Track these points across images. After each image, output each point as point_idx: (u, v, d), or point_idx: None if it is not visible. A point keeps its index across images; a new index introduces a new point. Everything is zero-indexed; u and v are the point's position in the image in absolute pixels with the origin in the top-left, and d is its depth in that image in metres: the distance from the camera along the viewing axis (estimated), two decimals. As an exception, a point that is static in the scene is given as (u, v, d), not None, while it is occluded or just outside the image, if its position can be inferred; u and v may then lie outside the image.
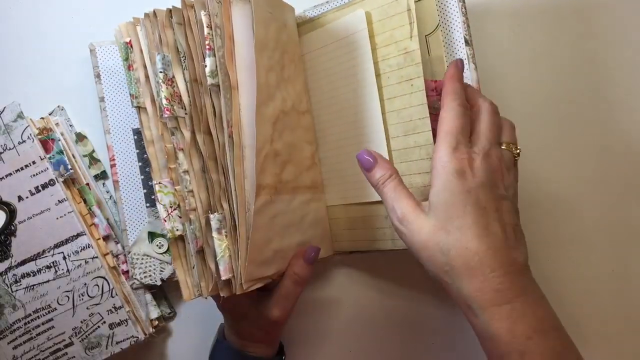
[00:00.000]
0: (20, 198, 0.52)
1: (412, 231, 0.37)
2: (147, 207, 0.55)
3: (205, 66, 0.43)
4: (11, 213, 0.51)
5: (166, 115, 0.45)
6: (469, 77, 0.44)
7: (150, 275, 0.53)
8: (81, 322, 0.52)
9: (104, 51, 0.55)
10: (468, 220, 0.35)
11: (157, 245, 0.54)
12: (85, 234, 0.52)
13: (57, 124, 0.56)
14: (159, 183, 0.48)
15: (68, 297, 0.52)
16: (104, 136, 0.55)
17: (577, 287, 0.52)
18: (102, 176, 0.58)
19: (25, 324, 0.51)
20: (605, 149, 0.52)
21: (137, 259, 0.53)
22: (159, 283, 0.54)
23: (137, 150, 0.55)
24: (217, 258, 0.43)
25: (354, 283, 0.56)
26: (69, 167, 0.53)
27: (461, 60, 0.41)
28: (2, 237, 0.51)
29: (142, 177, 0.55)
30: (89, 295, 0.52)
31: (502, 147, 0.39)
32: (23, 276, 0.51)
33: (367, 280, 0.56)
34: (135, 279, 0.53)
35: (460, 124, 0.38)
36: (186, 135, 0.46)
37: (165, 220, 0.47)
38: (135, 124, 0.55)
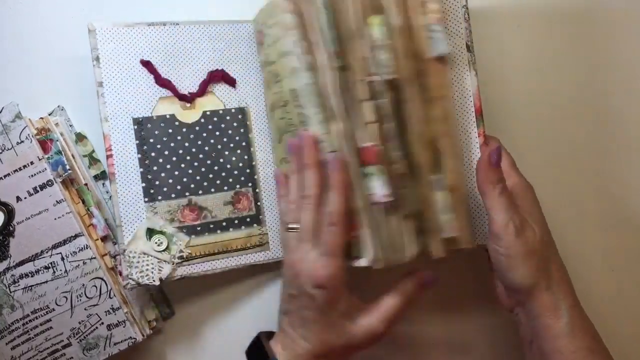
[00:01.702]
0: (18, 198, 0.52)
1: (528, 240, 0.42)
2: (145, 202, 0.53)
3: None
4: (9, 213, 0.51)
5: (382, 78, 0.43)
6: (469, 83, 0.43)
7: (147, 275, 0.52)
8: (79, 322, 0.52)
9: (105, 33, 0.53)
10: (547, 230, 0.45)
11: (155, 243, 0.52)
12: (83, 235, 0.52)
13: (56, 124, 0.56)
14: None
15: (66, 297, 0.51)
16: (99, 126, 0.53)
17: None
18: (101, 176, 0.57)
19: (23, 324, 0.51)
20: (607, 149, 0.52)
21: (134, 257, 0.52)
22: (157, 283, 0.52)
23: (137, 141, 0.52)
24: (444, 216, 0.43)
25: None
26: (68, 167, 0.53)
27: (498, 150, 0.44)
28: (0, 238, 0.51)
29: (142, 169, 0.52)
30: (87, 296, 0.52)
31: None
32: (21, 277, 0.51)
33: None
34: (130, 278, 0.51)
35: None
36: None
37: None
38: (136, 113, 0.52)
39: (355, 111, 0.43)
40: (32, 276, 0.51)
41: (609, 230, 0.52)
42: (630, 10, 0.51)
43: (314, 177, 0.45)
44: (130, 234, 0.52)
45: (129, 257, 0.52)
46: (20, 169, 0.52)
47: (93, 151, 0.57)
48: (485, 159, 0.43)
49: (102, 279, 0.52)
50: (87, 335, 0.52)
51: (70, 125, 0.58)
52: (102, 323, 0.52)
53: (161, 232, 0.53)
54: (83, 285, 0.52)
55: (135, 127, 0.53)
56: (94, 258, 0.52)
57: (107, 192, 0.57)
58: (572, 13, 0.52)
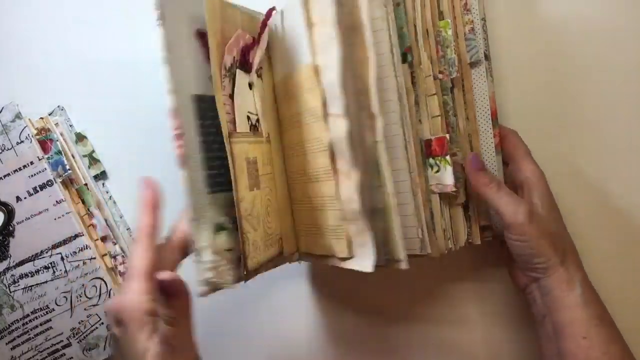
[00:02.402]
0: (18, 198, 0.52)
1: (539, 223, 0.44)
2: (207, 192, 0.41)
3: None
4: (9, 213, 0.51)
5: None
6: (485, 89, 0.47)
7: (223, 278, 0.41)
8: (79, 323, 0.52)
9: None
10: (559, 214, 0.47)
11: (222, 241, 0.42)
12: (83, 235, 0.52)
13: (56, 124, 0.56)
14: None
15: (66, 297, 0.52)
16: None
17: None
18: (101, 176, 0.57)
19: (23, 324, 0.51)
20: (608, 147, 0.52)
21: (209, 258, 0.40)
22: (232, 285, 0.41)
23: (200, 121, 0.41)
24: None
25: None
26: (67, 167, 0.53)
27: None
28: (1, 238, 0.51)
29: (202, 154, 0.40)
30: (86, 296, 0.52)
31: None
32: (21, 277, 0.51)
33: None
34: (207, 282, 0.39)
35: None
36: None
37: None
38: (194, 89, 0.41)
39: (421, 105, 0.46)
40: (32, 276, 0.51)
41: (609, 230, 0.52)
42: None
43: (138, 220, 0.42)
44: (202, 231, 0.41)
45: (204, 258, 0.40)
46: (20, 169, 0.52)
47: (93, 151, 0.57)
48: (470, 168, 0.46)
49: (102, 279, 0.52)
50: (87, 335, 0.52)
51: (70, 125, 0.58)
52: (102, 323, 0.52)
53: (225, 229, 0.43)
54: (83, 285, 0.52)
55: (195, 104, 0.41)
56: (94, 258, 0.52)
57: (107, 192, 0.57)
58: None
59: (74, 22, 0.58)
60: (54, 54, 0.58)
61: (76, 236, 0.52)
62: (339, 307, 0.56)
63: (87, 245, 0.52)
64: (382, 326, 0.55)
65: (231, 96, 0.43)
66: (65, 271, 0.52)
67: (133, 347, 0.38)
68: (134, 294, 0.38)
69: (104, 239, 0.54)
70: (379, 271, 0.41)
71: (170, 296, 0.39)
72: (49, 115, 0.56)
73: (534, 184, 0.46)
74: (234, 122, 0.43)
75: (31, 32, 0.59)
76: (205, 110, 0.42)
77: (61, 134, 0.55)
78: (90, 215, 0.54)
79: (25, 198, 0.52)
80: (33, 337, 0.51)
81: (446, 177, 0.45)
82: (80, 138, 0.57)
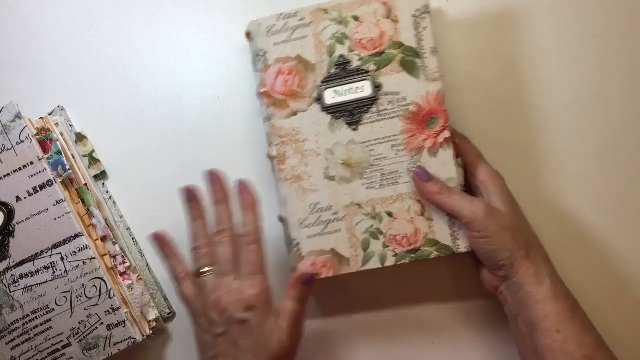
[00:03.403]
0: (18, 198, 0.52)
1: (498, 218, 0.45)
2: None
3: None
4: (9, 213, 0.51)
5: None
6: (432, 88, 0.47)
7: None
8: (79, 323, 0.51)
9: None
10: (520, 212, 0.48)
11: None
12: (83, 235, 0.52)
13: (56, 124, 0.56)
14: None
15: (66, 297, 0.51)
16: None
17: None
18: (101, 176, 0.57)
19: (23, 324, 0.51)
20: (605, 148, 0.52)
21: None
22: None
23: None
24: None
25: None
26: (67, 167, 0.53)
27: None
28: (1, 238, 0.51)
29: None
30: (86, 296, 0.51)
31: None
32: (21, 277, 0.51)
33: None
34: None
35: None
36: None
37: None
38: None
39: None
40: (32, 276, 0.51)
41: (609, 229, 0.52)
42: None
43: (227, 211, 0.48)
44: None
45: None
46: (20, 169, 0.52)
47: (93, 151, 0.57)
48: (417, 180, 0.47)
49: (102, 279, 0.52)
50: (87, 335, 0.52)
51: (71, 125, 0.58)
52: (102, 323, 0.52)
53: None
54: (83, 285, 0.52)
55: None
56: (94, 258, 0.52)
57: (107, 192, 0.57)
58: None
59: (73, 22, 0.59)
60: (54, 53, 0.58)
61: (76, 236, 0.52)
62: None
63: (87, 245, 0.52)
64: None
65: None
66: (65, 271, 0.51)
67: (262, 326, 0.44)
68: (266, 285, 0.46)
69: (103, 239, 0.54)
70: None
71: (304, 284, 0.46)
72: (49, 115, 0.56)
73: (490, 184, 0.47)
74: None
75: (31, 32, 0.59)
76: None
77: (61, 134, 0.55)
78: (90, 215, 0.54)
79: (25, 198, 0.52)
80: (33, 337, 0.51)
81: (462, 176, 0.48)
82: (80, 138, 0.57)
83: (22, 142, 0.52)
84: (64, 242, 0.52)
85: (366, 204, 0.48)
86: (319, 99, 0.48)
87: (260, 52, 0.49)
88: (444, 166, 0.47)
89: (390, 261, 0.48)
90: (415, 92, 0.47)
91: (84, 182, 0.54)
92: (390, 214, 0.48)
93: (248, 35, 0.50)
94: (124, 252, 0.55)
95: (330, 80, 0.48)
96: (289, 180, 0.48)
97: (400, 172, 0.48)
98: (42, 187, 0.52)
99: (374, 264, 0.48)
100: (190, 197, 0.49)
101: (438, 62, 0.47)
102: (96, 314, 0.52)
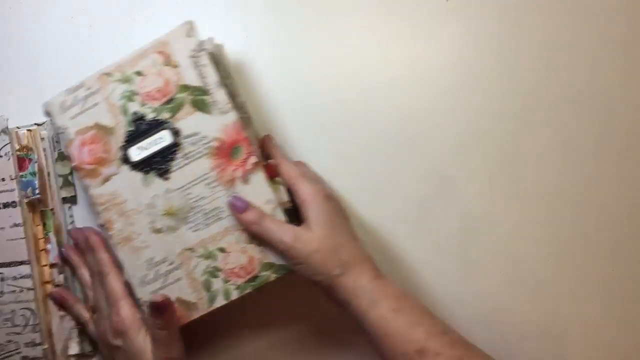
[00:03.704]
0: (-21, 210, 0.51)
1: (306, 242, 0.45)
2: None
3: None
4: (-35, 222, 0.51)
5: None
6: (227, 120, 0.48)
7: None
8: (-2, 344, 0.52)
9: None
10: (345, 228, 0.48)
11: None
12: (29, 264, 0.52)
13: (42, 139, 0.55)
14: None
15: (-8, 316, 0.52)
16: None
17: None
18: (70, 200, 0.57)
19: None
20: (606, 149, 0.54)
21: None
22: None
23: None
24: None
25: None
26: (37, 191, 0.52)
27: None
28: (-51, 243, 0.51)
29: None
30: (13, 323, 0.52)
31: None
32: (-42, 284, 0.52)
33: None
34: None
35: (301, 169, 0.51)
36: None
37: None
38: None
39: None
40: (-33, 287, 0.52)
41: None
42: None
43: (93, 258, 0.51)
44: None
45: None
46: (-10, 183, 0.52)
47: (70, 174, 0.57)
48: (234, 212, 0.48)
49: (32, 310, 0.52)
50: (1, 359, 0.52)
51: (57, 142, 0.57)
52: (19, 353, 0.52)
53: None
54: (13, 311, 0.52)
55: None
56: (32, 289, 0.52)
57: (71, 216, 0.57)
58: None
59: (73, 22, 0.57)
60: (54, 54, 0.57)
61: (22, 263, 0.52)
62: None
63: (29, 274, 0.52)
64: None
65: None
66: (1, 292, 0.52)
67: (133, 347, 0.47)
68: (126, 309, 0.48)
69: (52, 265, 0.54)
70: None
71: (161, 312, 0.47)
72: (40, 125, 0.56)
73: (308, 203, 0.47)
74: None
75: (31, 32, 0.57)
76: None
77: (44, 150, 0.55)
78: (47, 239, 0.54)
79: (-15, 212, 0.52)
80: (-50, 343, 0.52)
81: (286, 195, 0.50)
82: (62, 157, 0.57)
83: (0, 157, 0.51)
84: (9, 264, 0.52)
85: (198, 246, 0.49)
86: (126, 159, 0.49)
87: (60, 130, 0.49)
88: (259, 190, 0.48)
89: (234, 294, 0.49)
90: (213, 128, 0.48)
91: (50, 207, 0.54)
92: (222, 250, 0.49)
93: (48, 114, 0.50)
94: (67, 282, 0.55)
95: (131, 139, 0.48)
96: (120, 244, 0.49)
97: (221, 207, 0.49)
98: (6, 205, 0.52)
99: (220, 301, 0.49)
100: (70, 253, 0.54)
101: (226, 94, 0.48)
102: (17, 342, 0.52)
